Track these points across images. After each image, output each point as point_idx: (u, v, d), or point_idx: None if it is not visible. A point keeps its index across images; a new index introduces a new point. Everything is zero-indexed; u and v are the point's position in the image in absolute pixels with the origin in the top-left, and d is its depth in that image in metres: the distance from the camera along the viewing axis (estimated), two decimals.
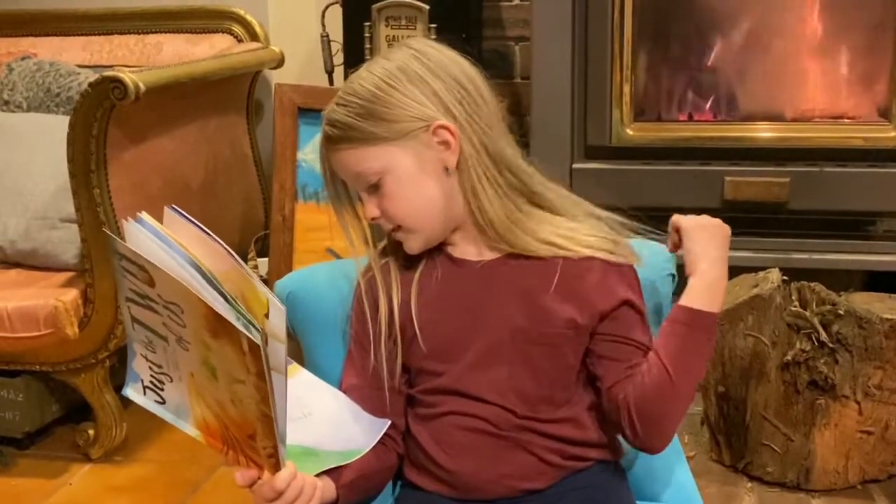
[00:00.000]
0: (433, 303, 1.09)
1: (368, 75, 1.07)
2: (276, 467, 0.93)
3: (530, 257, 1.09)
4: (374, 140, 1.05)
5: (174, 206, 0.94)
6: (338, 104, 1.07)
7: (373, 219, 1.09)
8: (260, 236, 2.38)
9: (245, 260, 2.29)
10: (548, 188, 1.11)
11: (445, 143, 1.06)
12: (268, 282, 2.14)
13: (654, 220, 2.16)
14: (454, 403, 1.07)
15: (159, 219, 0.93)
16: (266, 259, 2.18)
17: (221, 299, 0.88)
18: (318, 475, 0.99)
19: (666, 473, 1.18)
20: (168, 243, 0.90)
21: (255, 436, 0.92)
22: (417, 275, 1.11)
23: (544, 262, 1.08)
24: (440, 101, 1.05)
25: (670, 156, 2.19)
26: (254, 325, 0.87)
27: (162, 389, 0.96)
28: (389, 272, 1.12)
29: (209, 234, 0.92)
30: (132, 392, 0.98)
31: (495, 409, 1.06)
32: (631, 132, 2.20)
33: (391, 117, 1.05)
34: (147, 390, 0.97)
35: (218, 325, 0.86)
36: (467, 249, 1.11)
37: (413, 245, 1.10)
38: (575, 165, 2.19)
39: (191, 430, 0.96)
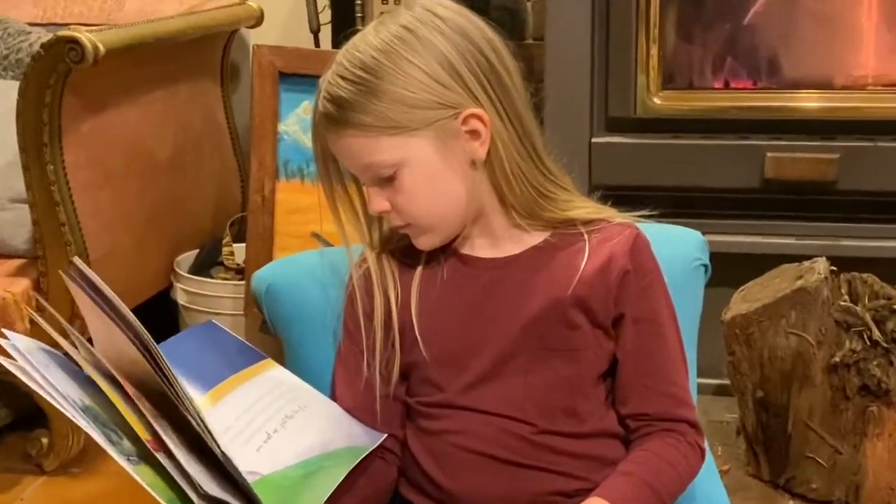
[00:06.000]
0: (436, 306, 1.09)
1: (379, 42, 1.02)
2: None
3: (550, 249, 1.09)
4: (391, 128, 1.02)
5: (78, 261, 0.95)
6: (342, 77, 1.03)
7: (380, 213, 1.07)
8: (236, 219, 2.39)
9: (220, 245, 2.30)
10: (552, 160, 1.12)
11: (474, 133, 1.04)
12: (245, 270, 2.15)
13: (683, 201, 2.19)
14: (459, 420, 1.07)
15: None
16: (243, 245, 2.19)
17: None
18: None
19: (696, 490, 1.18)
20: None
21: None
22: (419, 272, 1.11)
23: (566, 251, 1.09)
24: (466, 80, 1.03)
25: (703, 129, 2.19)
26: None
27: None
28: (386, 267, 1.12)
29: (108, 309, 0.93)
30: None
31: (509, 423, 1.05)
32: (658, 101, 2.20)
33: (412, 101, 1.01)
34: None
35: None
36: (480, 243, 1.11)
37: (425, 243, 1.10)
38: (594, 139, 2.19)
39: None
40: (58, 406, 0.90)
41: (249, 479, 0.96)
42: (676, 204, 2.16)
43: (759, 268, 1.97)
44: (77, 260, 0.96)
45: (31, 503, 1.98)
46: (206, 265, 2.30)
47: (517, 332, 1.07)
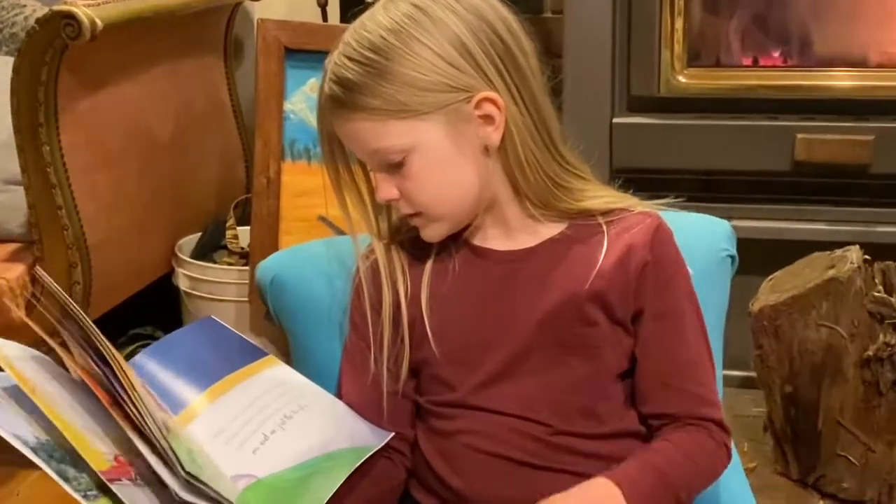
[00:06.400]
0: (448, 300, 1.09)
1: (388, 21, 1.02)
2: None
3: (567, 241, 1.08)
4: (401, 112, 1.01)
5: (40, 272, 0.95)
6: (348, 57, 1.03)
7: (388, 200, 1.07)
8: (240, 201, 2.38)
9: (224, 228, 2.30)
10: (568, 148, 1.11)
11: (488, 118, 1.03)
12: (249, 255, 2.15)
13: (709, 185, 2.18)
14: (472, 420, 1.07)
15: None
16: (247, 228, 2.19)
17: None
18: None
19: (720, 488, 1.18)
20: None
21: None
22: (429, 264, 1.11)
23: (583, 244, 1.08)
24: (479, 62, 1.02)
25: (730, 108, 2.19)
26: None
27: None
28: (395, 259, 1.11)
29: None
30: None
31: (524, 423, 1.05)
32: (684, 79, 2.19)
33: (422, 84, 1.01)
34: None
35: None
36: (493, 234, 1.11)
37: (434, 234, 1.09)
38: (616, 120, 2.19)
39: None
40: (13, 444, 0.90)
41: (244, 482, 0.95)
42: (702, 188, 2.16)
43: (789, 255, 1.96)
44: (39, 270, 0.96)
45: (28, 497, 1.98)
46: (209, 249, 2.30)
47: (532, 329, 1.06)
